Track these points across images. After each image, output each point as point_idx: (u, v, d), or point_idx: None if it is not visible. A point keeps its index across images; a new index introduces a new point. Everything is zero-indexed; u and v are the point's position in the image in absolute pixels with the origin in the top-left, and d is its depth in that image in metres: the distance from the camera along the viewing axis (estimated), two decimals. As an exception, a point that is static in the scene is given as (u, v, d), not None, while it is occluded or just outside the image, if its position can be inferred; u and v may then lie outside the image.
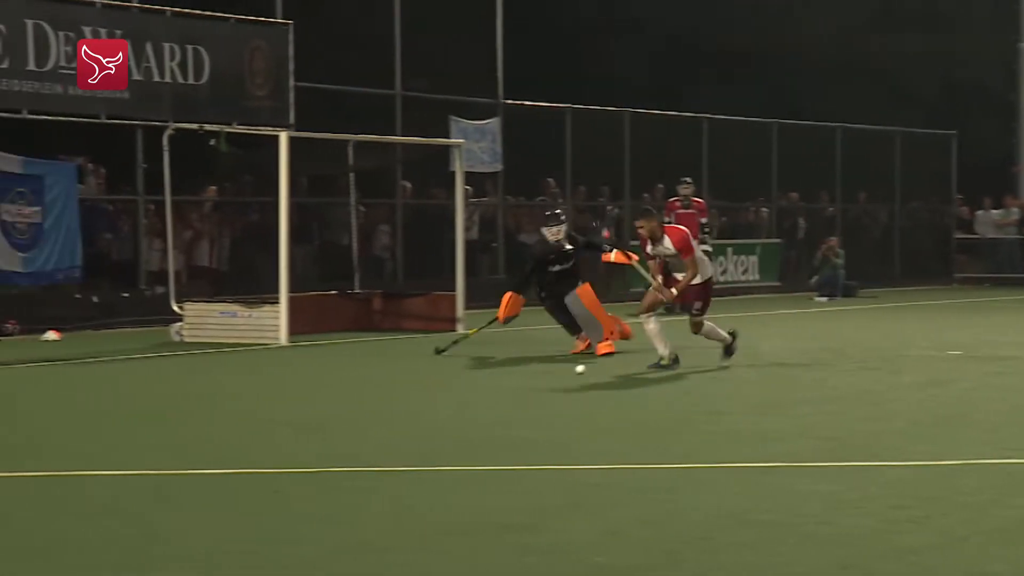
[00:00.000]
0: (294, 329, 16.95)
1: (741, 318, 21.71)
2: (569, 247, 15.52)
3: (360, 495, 7.81)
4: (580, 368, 13.19)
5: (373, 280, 21.92)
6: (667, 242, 13.80)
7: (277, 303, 17.03)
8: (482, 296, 23.00)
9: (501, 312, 15.50)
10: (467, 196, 23.64)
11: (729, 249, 28.16)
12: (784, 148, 29.51)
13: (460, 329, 18.49)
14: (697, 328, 14.01)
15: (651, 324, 13.73)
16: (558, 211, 16.40)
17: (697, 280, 13.83)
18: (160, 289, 19.67)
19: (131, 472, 8.48)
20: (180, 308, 17.77)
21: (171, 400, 12.15)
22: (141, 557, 6.39)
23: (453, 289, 18.98)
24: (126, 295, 19.74)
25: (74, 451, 9.32)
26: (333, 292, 19.80)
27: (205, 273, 21.02)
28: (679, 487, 8.03)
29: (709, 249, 22.30)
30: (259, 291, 18.21)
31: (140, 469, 8.55)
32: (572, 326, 15.51)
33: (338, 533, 6.83)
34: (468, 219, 22.81)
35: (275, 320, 16.95)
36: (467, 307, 19.26)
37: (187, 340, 17.19)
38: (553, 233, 15.50)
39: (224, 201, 21.11)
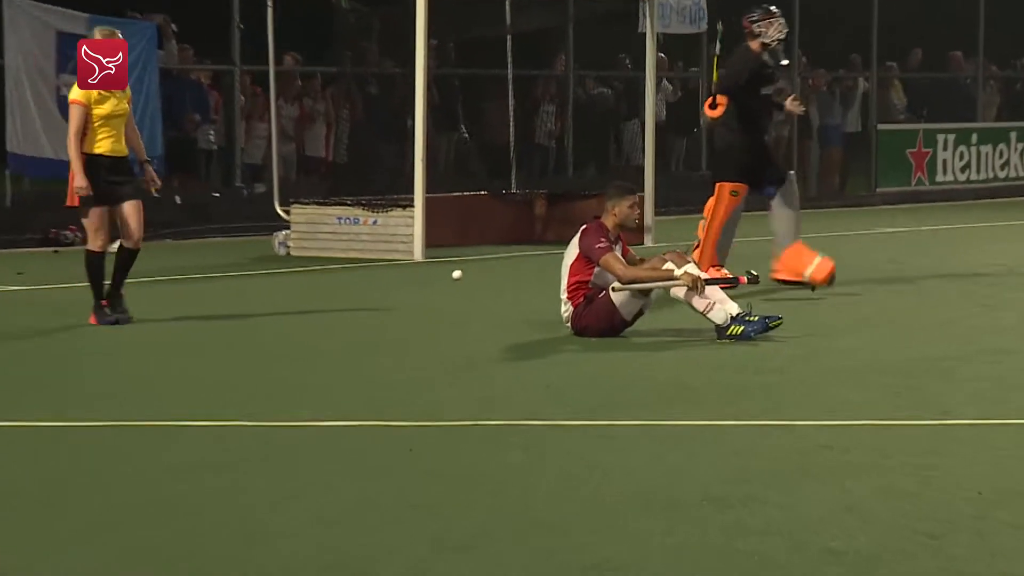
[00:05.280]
0: (432, 240, 17.17)
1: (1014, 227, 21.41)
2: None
3: (525, 455, 7.94)
4: (457, 273, 13.59)
5: (535, 177, 22.04)
6: None
7: (410, 207, 17.24)
8: (676, 197, 22.99)
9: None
10: (663, 66, 23.57)
11: (1012, 135, 27.69)
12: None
13: (648, 241, 18.53)
14: None
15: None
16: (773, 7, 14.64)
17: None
18: (260, 187, 20.04)
19: (234, 423, 8.74)
20: (286, 212, 18.09)
21: (277, 333, 12.42)
22: (260, 520, 6.61)
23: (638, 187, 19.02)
24: (217, 195, 20.14)
25: (163, 396, 9.61)
26: (483, 192, 19.98)
27: (319, 166, 21.34)
28: (941, 450, 8.02)
29: None
30: (388, 191, 18.45)
31: (243, 420, 8.81)
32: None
33: (500, 504, 6.96)
34: (661, 96, 22.78)
35: (408, 229, 17.17)
36: (658, 211, 19.29)
37: (294, 254, 17.51)
38: (776, 29, 14.30)
39: (344, 73, 21.31)
